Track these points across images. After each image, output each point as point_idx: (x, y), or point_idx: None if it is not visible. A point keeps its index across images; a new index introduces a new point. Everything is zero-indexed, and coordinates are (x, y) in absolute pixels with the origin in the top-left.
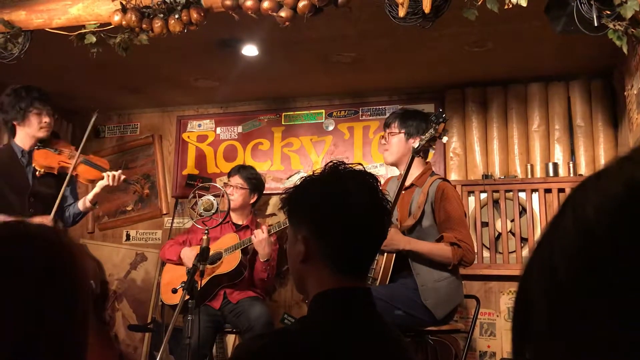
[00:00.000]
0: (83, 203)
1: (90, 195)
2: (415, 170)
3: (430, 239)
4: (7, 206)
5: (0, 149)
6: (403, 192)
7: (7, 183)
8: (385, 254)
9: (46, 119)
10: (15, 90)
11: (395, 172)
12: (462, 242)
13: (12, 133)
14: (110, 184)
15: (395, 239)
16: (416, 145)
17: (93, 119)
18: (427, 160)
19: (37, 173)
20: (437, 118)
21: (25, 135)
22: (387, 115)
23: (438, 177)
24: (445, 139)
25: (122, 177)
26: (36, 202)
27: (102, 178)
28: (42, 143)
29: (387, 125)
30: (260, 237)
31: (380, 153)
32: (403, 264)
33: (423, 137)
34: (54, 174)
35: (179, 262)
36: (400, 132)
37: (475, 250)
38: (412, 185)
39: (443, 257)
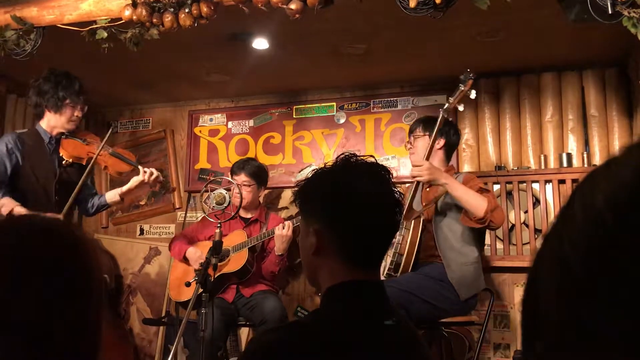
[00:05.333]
0: (113, 196)
1: (124, 188)
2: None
3: (454, 211)
4: (32, 192)
5: (26, 133)
6: (427, 189)
7: (33, 168)
8: (412, 228)
9: (78, 113)
10: (57, 76)
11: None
12: (495, 199)
13: (39, 116)
14: (146, 180)
15: (436, 172)
16: (445, 105)
17: (109, 133)
18: (449, 162)
19: (63, 162)
20: (466, 76)
21: (54, 123)
22: (399, 107)
23: (462, 173)
24: (473, 94)
25: (160, 177)
26: (61, 190)
27: (129, 170)
28: (69, 132)
29: (411, 131)
30: (283, 233)
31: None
32: (429, 251)
33: (453, 94)
34: (80, 164)
35: (184, 262)
36: (424, 135)
37: (489, 243)
38: None
39: (478, 201)
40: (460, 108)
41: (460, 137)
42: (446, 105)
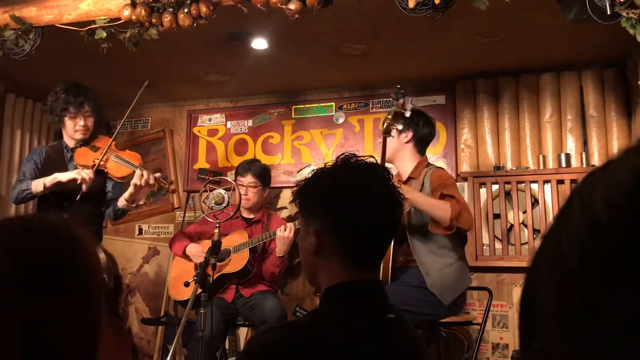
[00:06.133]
0: (122, 201)
1: (126, 194)
2: (410, 164)
3: (427, 215)
4: (45, 199)
5: (52, 146)
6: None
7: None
8: None
9: (81, 122)
10: (57, 91)
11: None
12: (459, 202)
13: (61, 131)
14: (138, 183)
15: None
16: (384, 125)
17: (143, 88)
18: (423, 155)
19: None
20: (397, 94)
21: (67, 135)
22: None
23: (434, 166)
24: (408, 113)
25: (152, 178)
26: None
27: (131, 173)
28: (83, 141)
29: None
30: (285, 235)
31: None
32: (406, 256)
33: (388, 115)
34: (101, 171)
35: (184, 257)
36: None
37: (487, 242)
38: (409, 178)
39: (441, 210)
40: (400, 127)
41: (434, 128)
42: (385, 125)
